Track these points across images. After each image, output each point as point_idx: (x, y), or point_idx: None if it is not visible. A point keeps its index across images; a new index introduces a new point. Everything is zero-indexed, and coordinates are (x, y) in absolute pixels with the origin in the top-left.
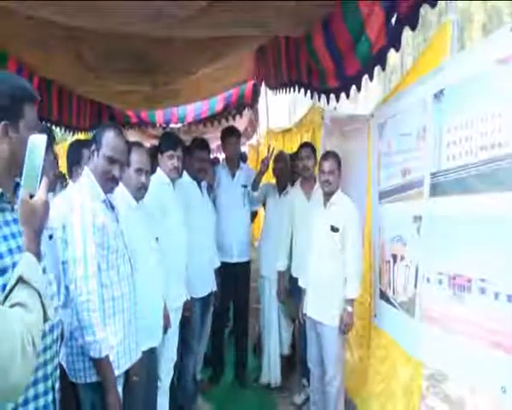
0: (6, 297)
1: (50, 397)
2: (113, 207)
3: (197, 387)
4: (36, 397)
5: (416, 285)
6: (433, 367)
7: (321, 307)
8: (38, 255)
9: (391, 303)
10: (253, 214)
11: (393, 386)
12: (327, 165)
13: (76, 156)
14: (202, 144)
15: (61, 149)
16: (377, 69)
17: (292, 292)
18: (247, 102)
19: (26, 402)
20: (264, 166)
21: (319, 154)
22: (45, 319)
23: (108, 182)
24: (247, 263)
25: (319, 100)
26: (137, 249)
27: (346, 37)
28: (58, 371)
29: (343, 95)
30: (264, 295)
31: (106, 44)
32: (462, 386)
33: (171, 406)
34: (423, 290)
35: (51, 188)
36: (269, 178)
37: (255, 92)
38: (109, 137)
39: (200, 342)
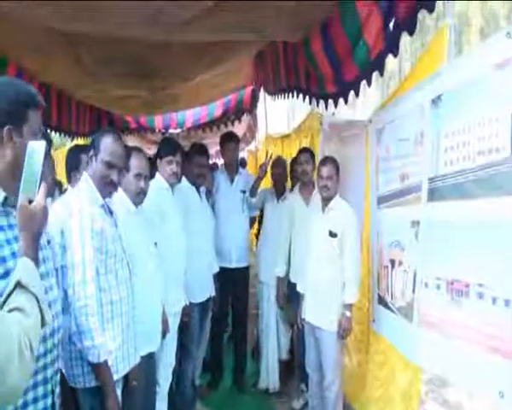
0: (4, 302)
1: (49, 401)
2: (111, 212)
3: (196, 392)
4: (35, 400)
5: (414, 290)
6: (432, 372)
7: (319, 312)
8: (36, 261)
9: (389, 308)
10: (252, 220)
11: (392, 391)
12: (325, 170)
13: (75, 162)
14: (201, 150)
15: (60, 155)
16: (375, 75)
17: (290, 297)
18: (246, 108)
19: (25, 405)
20: (262, 171)
21: (318, 159)
22: (43, 323)
23: (107, 187)
24: (246, 268)
25: (317, 105)
26: (136, 254)
27: (344, 42)
28: (58, 376)
29: (341, 100)
30: (262, 301)
31: (104, 49)
32: (461, 391)
33: None
34: (421, 295)
35: (50, 193)
36: (267, 184)
37: (254, 98)
38: (107, 142)
39: (199, 347)
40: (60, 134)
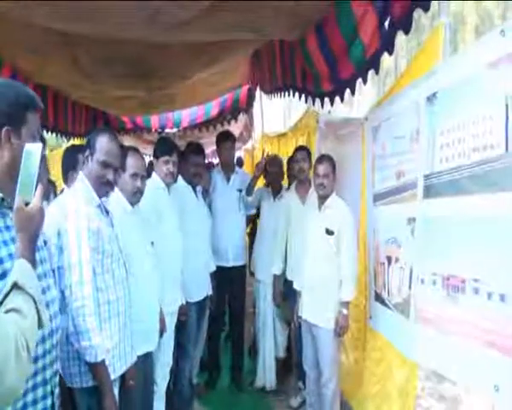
0: (1, 303)
1: (49, 402)
2: (107, 212)
3: (193, 391)
4: (34, 402)
5: (410, 287)
6: (428, 368)
7: (316, 310)
8: (33, 262)
9: (386, 305)
10: (248, 219)
11: (389, 387)
12: (321, 168)
13: (72, 161)
14: (197, 149)
15: (57, 156)
16: (371, 73)
17: (287, 295)
18: (242, 107)
19: (24, 407)
20: (258, 170)
21: (314, 157)
22: (40, 325)
23: (103, 186)
24: (243, 267)
25: (313, 104)
26: (133, 254)
27: (339, 41)
28: (58, 377)
29: (337, 98)
30: (259, 299)
31: (102, 49)
32: (457, 386)
33: None
34: (418, 292)
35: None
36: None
37: (250, 97)
38: (103, 141)
39: (196, 346)
40: (56, 135)
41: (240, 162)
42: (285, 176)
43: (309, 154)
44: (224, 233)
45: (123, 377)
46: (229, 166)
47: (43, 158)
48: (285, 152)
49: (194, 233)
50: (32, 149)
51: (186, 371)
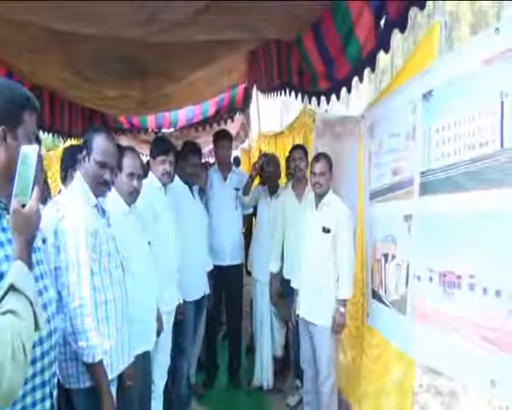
0: None
1: (48, 404)
2: (104, 212)
3: (191, 390)
4: (33, 404)
5: (407, 283)
6: (425, 364)
7: (313, 308)
8: (30, 264)
9: (383, 302)
10: (245, 218)
11: (387, 384)
12: (318, 166)
13: (71, 161)
14: (194, 149)
15: (53, 157)
16: (367, 71)
17: (284, 294)
18: (239, 107)
19: (23, 409)
20: (255, 170)
21: (311, 156)
22: (37, 327)
23: (100, 186)
24: (240, 266)
25: (310, 103)
26: (130, 254)
27: (335, 39)
28: (56, 378)
29: (334, 97)
30: (256, 298)
31: (97, 49)
32: (454, 382)
33: (165, 409)
34: (414, 288)
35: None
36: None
37: (247, 96)
38: (99, 141)
39: (194, 345)
40: (53, 135)
41: (237, 162)
42: (282, 175)
43: (305, 152)
44: (221, 232)
45: (120, 377)
46: (226, 165)
47: (40, 158)
48: (282, 151)
49: (190, 233)
50: (29, 152)
51: (184, 371)
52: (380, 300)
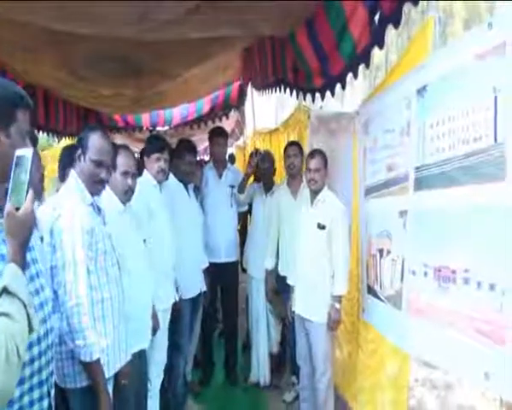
0: None
1: (46, 403)
2: (99, 210)
3: (187, 388)
4: (31, 404)
5: (402, 278)
6: (421, 358)
7: (309, 305)
8: (23, 267)
9: (378, 297)
10: (240, 215)
11: (382, 379)
12: (313, 163)
13: (70, 161)
14: (189, 146)
15: (48, 156)
16: (362, 67)
17: (280, 290)
18: (234, 104)
19: (20, 409)
20: (250, 167)
21: (306, 152)
22: (30, 329)
23: (96, 185)
24: (235, 263)
25: (304, 99)
26: (125, 252)
27: (330, 36)
28: (53, 378)
29: (328, 93)
30: (252, 295)
31: (91, 48)
32: (449, 375)
33: (162, 408)
34: (409, 283)
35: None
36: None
37: (241, 94)
38: (94, 139)
39: (190, 343)
40: (47, 134)
41: (232, 159)
42: (277, 172)
43: (300, 149)
44: (217, 229)
45: (116, 376)
46: (221, 163)
47: (36, 154)
48: (277, 147)
49: (186, 230)
50: (24, 154)
51: (180, 369)
52: (375, 295)
